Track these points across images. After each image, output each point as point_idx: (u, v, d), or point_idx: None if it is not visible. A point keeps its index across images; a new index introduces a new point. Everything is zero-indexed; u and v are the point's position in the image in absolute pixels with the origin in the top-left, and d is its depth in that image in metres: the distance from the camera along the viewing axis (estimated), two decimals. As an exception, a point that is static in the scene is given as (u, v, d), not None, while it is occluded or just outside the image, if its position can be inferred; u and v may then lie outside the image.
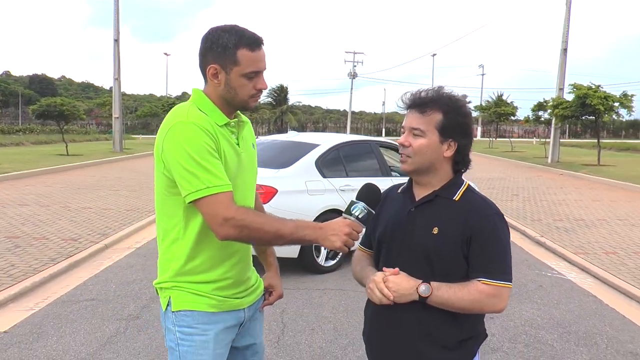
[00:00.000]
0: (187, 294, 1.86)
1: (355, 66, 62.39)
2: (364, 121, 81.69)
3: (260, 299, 2.13)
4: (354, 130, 67.29)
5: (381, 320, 1.87)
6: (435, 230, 1.76)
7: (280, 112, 61.75)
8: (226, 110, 1.87)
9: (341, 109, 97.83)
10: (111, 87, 31.77)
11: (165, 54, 71.01)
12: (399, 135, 1.89)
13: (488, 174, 18.42)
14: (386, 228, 1.87)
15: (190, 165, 1.70)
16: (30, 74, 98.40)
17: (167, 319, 1.91)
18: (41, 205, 9.97)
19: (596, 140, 24.10)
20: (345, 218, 1.76)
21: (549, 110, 25.69)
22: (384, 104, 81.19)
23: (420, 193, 1.86)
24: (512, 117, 42.43)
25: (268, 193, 5.82)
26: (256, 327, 2.12)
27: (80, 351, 3.99)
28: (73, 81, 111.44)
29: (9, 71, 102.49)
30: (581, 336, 4.51)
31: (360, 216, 1.75)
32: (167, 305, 1.89)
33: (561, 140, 26.57)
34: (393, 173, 7.40)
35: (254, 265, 2.10)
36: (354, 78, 62.55)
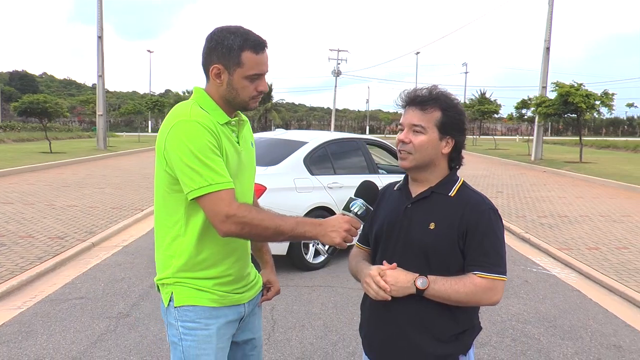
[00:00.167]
0: (189, 290, 1.89)
1: (339, 64, 62.39)
2: (347, 119, 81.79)
3: (259, 294, 2.16)
4: (338, 128, 67.33)
5: (378, 314, 1.90)
6: (432, 226, 1.80)
7: (264, 110, 61.58)
8: (227, 109, 1.90)
9: (325, 107, 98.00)
10: (94, 84, 31.48)
11: (149, 51, 70.23)
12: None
13: (472, 171, 18.57)
14: (383, 224, 1.91)
15: (193, 163, 1.72)
16: (11, 70, 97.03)
17: (169, 314, 1.92)
18: (26, 203, 9.87)
19: (578, 138, 24.45)
20: (344, 214, 1.79)
21: (532, 108, 25.96)
22: (367, 102, 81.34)
23: (416, 190, 1.90)
24: (496, 115, 42.80)
25: (257, 190, 5.75)
26: (255, 322, 2.15)
27: (70, 349, 3.98)
28: (55, 78, 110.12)
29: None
30: (566, 330, 4.61)
31: (359, 213, 1.78)
32: (169, 300, 1.91)
33: (544, 137, 26.86)
34: (380, 171, 7.45)
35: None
36: (338, 76, 62.54)
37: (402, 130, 1.86)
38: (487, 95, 57.43)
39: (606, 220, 9.59)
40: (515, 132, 66.75)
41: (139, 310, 4.79)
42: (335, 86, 62.62)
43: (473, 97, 49.58)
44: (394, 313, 1.84)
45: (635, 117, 68.52)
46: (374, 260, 1.97)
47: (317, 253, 6.40)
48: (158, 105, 42.84)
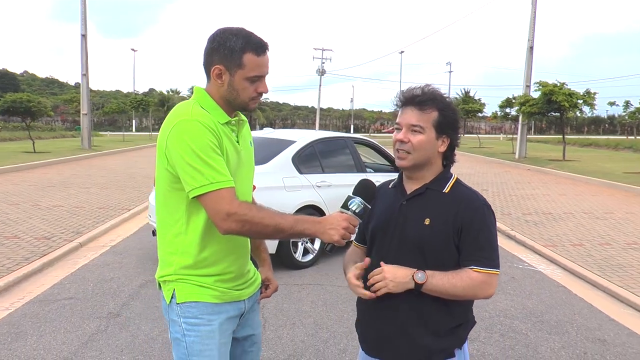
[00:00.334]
0: (191, 286, 1.91)
1: (323, 63, 62.33)
2: (332, 118, 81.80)
3: (258, 291, 2.19)
4: (323, 127, 67.22)
5: (375, 309, 1.93)
6: (427, 222, 1.84)
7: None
8: (227, 109, 1.92)
9: (309, 106, 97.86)
10: (77, 83, 31.21)
11: (132, 49, 69.61)
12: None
13: (457, 169, 18.34)
14: (379, 221, 1.95)
15: (194, 162, 1.75)
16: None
17: (171, 311, 1.95)
18: (10, 203, 9.77)
19: (561, 136, 24.76)
20: (342, 212, 1.83)
21: (516, 107, 26.23)
22: (352, 101, 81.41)
23: (411, 187, 1.94)
24: (480, 114, 43.15)
25: (246, 189, 5.84)
26: (255, 319, 2.18)
27: (61, 350, 3.96)
28: (36, 76, 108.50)
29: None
30: (553, 325, 4.69)
31: (357, 211, 1.82)
32: (172, 297, 1.93)
33: (528, 136, 27.16)
34: (367, 169, 7.50)
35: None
36: (323, 75, 62.52)
37: (399, 129, 1.89)
38: (471, 94, 57.91)
39: (589, 217, 9.75)
40: (499, 131, 67.27)
41: (129, 310, 4.78)
42: (320, 85, 62.65)
43: (457, 96, 49.92)
44: (391, 308, 1.87)
45: (616, 115, 69.44)
46: (370, 256, 2.00)
47: (306, 252, 6.43)
48: (143, 105, 42.54)
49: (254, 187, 6.63)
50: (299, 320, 4.67)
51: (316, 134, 7.33)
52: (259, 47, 1.85)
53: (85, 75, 25.29)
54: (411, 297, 1.80)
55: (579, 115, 25.57)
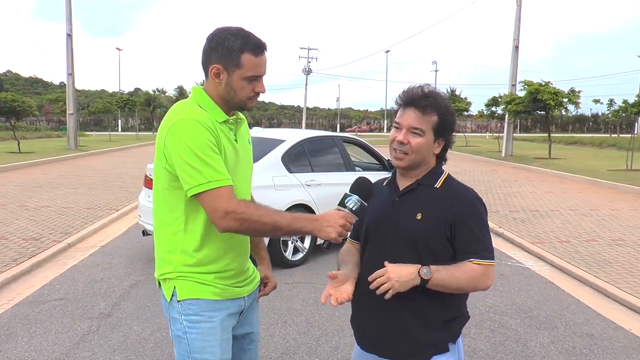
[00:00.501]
0: (192, 283, 1.92)
1: (309, 62, 62.26)
2: (318, 117, 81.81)
3: (257, 289, 2.21)
4: (309, 126, 67.24)
5: (370, 304, 1.96)
6: (419, 216, 1.88)
7: (235, 109, 61.02)
8: (225, 108, 1.94)
9: (295, 105, 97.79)
10: (61, 83, 30.94)
11: (118, 49, 69.27)
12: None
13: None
14: (373, 219, 1.98)
15: (193, 160, 1.77)
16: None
17: (172, 308, 1.96)
18: (-4, 204, 9.67)
19: (547, 134, 24.99)
20: (339, 210, 1.85)
21: (502, 106, 26.44)
22: (338, 100, 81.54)
23: (404, 184, 1.98)
24: (466, 113, 43.41)
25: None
26: (253, 317, 2.19)
27: (53, 351, 3.95)
28: (20, 76, 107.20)
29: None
30: (542, 320, 4.76)
31: (354, 208, 1.84)
32: (172, 295, 1.94)
33: (514, 134, 27.39)
34: (356, 168, 7.54)
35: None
36: (309, 74, 62.44)
37: (398, 128, 1.91)
38: (457, 93, 58.21)
39: (575, 214, 9.87)
40: (485, 130, 67.75)
41: (120, 310, 4.77)
42: (306, 84, 62.59)
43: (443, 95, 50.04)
44: (386, 302, 1.90)
45: (600, 114, 70.24)
46: (365, 253, 2.03)
47: (295, 250, 6.44)
48: (129, 105, 42.24)
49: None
50: (291, 318, 4.69)
51: (305, 133, 7.35)
52: (257, 47, 1.87)
53: (71, 74, 25.07)
54: (406, 291, 1.82)
55: (564, 113, 25.82)
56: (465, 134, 45.68)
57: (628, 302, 5.19)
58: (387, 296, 1.77)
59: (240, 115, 2.05)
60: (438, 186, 1.94)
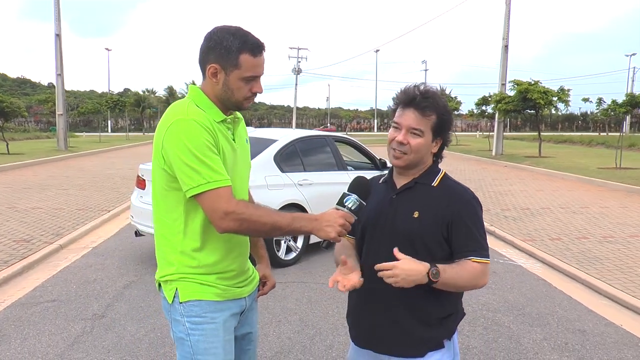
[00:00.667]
0: (194, 285, 1.91)
1: (299, 62, 62.23)
2: (308, 117, 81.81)
3: (257, 289, 2.20)
4: (299, 126, 67.16)
5: (366, 301, 1.98)
6: (416, 214, 1.89)
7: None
8: (222, 107, 1.93)
9: (285, 105, 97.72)
10: (49, 83, 30.75)
11: (107, 49, 68.79)
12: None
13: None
14: (370, 216, 1.98)
15: (191, 161, 1.76)
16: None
17: (174, 310, 1.94)
18: (-14, 206, 9.59)
19: (537, 133, 25.15)
20: (338, 209, 1.85)
21: (492, 105, 26.57)
22: (328, 100, 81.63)
23: (401, 182, 1.99)
24: (456, 112, 43.55)
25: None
26: (253, 317, 2.18)
27: (47, 352, 3.92)
28: (8, 77, 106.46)
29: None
30: (534, 317, 4.80)
31: (352, 208, 1.85)
32: (174, 297, 1.92)
33: (504, 133, 27.54)
34: (348, 167, 7.55)
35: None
36: (299, 74, 62.39)
37: (397, 128, 1.92)
38: (447, 92, 58.39)
39: (566, 211, 9.95)
40: (475, 129, 68.05)
41: (114, 311, 4.75)
42: (296, 84, 62.54)
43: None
44: (382, 299, 1.91)
45: (589, 112, 70.82)
46: (361, 250, 2.04)
47: (288, 250, 6.45)
48: (119, 105, 42.03)
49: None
50: (285, 317, 4.70)
51: (297, 133, 7.35)
52: (256, 47, 1.85)
53: (60, 75, 24.91)
54: (401, 289, 1.82)
55: (553, 112, 25.97)
56: (456, 133, 45.83)
57: (619, 298, 5.24)
58: (389, 280, 1.76)
59: (238, 114, 2.04)
60: (435, 185, 1.95)
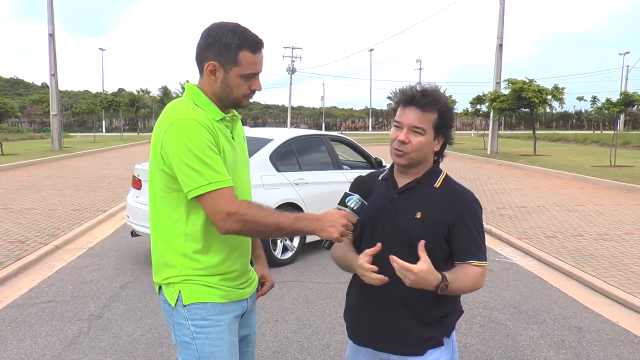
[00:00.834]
0: (198, 287, 1.87)
1: (293, 61, 62.05)
2: (303, 116, 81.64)
3: (256, 290, 2.17)
4: (294, 126, 67.16)
5: (365, 300, 1.98)
6: (419, 215, 1.89)
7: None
8: (220, 105, 1.90)
9: (280, 104, 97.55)
10: (43, 84, 30.59)
11: (101, 49, 68.52)
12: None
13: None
14: (369, 213, 1.96)
15: (192, 161, 1.72)
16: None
17: (177, 314, 1.89)
18: (-20, 207, 9.54)
19: (531, 132, 25.23)
20: (340, 209, 1.83)
21: (487, 104, 26.63)
22: (322, 99, 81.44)
23: (402, 180, 1.98)
24: (451, 111, 43.51)
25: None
26: (252, 319, 2.16)
27: (44, 353, 3.91)
28: (1, 77, 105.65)
29: None
30: (531, 315, 4.81)
31: (355, 208, 1.83)
32: (177, 299, 1.88)
33: (499, 132, 27.61)
34: (344, 167, 7.56)
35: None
36: (293, 73, 62.27)
37: (398, 127, 1.91)
38: (442, 91, 58.32)
39: (561, 209, 9.98)
40: (470, 127, 68.12)
41: (110, 312, 4.74)
42: (291, 83, 62.40)
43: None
44: (382, 298, 1.91)
45: (583, 111, 71.10)
46: (359, 247, 2.03)
47: (285, 249, 6.45)
48: (114, 105, 41.88)
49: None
50: (281, 317, 4.70)
51: (293, 132, 7.35)
52: (255, 44, 1.83)
53: (54, 75, 24.79)
54: (401, 288, 1.83)
55: (548, 110, 26.08)
56: (451, 132, 45.84)
57: (614, 295, 5.27)
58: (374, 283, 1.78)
59: (235, 112, 2.01)
60: (437, 186, 1.95)
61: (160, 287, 1.96)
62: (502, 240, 7.79)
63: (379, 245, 1.84)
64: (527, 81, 22.89)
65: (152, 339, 4.18)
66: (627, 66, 63.70)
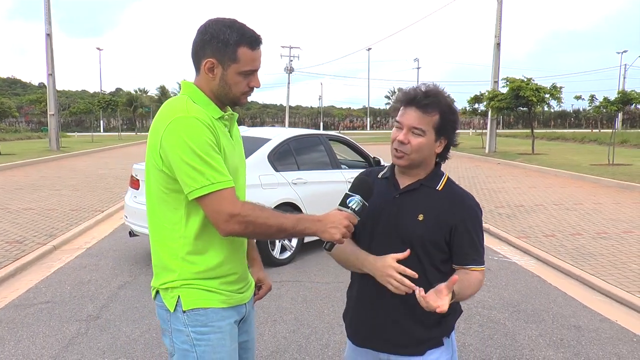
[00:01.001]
0: (198, 291, 1.81)
1: (291, 61, 62.02)
2: (301, 115, 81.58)
3: (253, 294, 2.12)
4: (292, 125, 66.99)
5: (366, 301, 1.97)
6: (421, 217, 1.87)
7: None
8: (218, 103, 1.85)
9: (278, 104, 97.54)
10: (40, 83, 30.54)
11: (98, 48, 68.40)
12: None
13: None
14: (371, 211, 1.93)
15: (194, 161, 1.67)
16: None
17: (175, 319, 1.82)
18: (-22, 207, 9.52)
19: (529, 130, 25.24)
20: (341, 210, 1.80)
21: (485, 103, 26.64)
22: (320, 98, 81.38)
23: (403, 181, 1.96)
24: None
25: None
26: (251, 324, 2.09)
27: (42, 354, 3.89)
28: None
29: None
30: (530, 314, 4.81)
31: (356, 209, 1.80)
32: (176, 305, 1.81)
33: (497, 131, 27.62)
34: (342, 166, 7.55)
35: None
36: (291, 73, 62.24)
37: (399, 128, 1.89)
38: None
39: (560, 208, 9.99)
40: (468, 126, 68.14)
41: (109, 312, 4.73)
42: (289, 83, 62.36)
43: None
44: (383, 299, 1.90)
45: (581, 109, 71.21)
46: (359, 245, 2.02)
47: (283, 249, 6.44)
48: (112, 105, 41.83)
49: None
50: (280, 317, 4.69)
51: (291, 132, 7.34)
52: (254, 40, 1.78)
53: (51, 75, 24.75)
54: None
55: (546, 109, 26.13)
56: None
57: (613, 293, 5.27)
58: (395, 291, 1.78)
59: (232, 111, 1.96)
60: (440, 189, 1.93)
61: (157, 292, 1.88)
62: (500, 239, 7.79)
63: (408, 251, 1.80)
64: (525, 80, 22.91)
65: (151, 339, 4.16)
66: (625, 65, 63.97)
